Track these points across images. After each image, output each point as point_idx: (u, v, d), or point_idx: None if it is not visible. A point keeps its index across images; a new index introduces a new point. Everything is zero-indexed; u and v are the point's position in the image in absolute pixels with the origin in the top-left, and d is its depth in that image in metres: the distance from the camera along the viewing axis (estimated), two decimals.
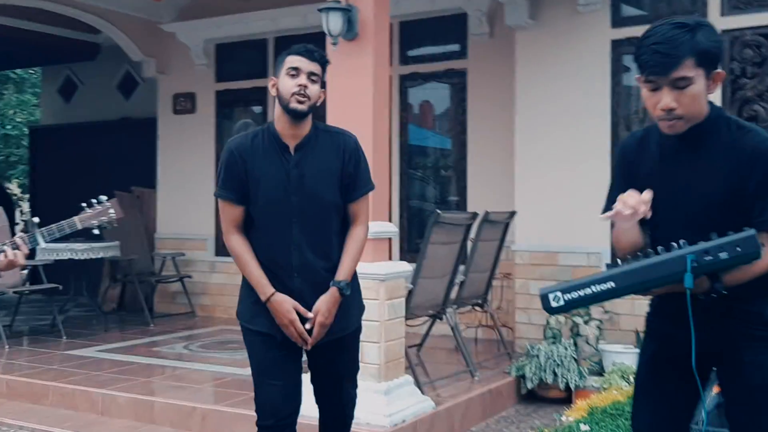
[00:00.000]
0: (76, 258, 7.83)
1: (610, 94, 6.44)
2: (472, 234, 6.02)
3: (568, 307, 2.19)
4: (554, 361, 5.75)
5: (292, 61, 3.02)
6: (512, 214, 6.53)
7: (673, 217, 2.33)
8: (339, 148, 3.10)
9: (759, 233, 2.15)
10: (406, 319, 5.35)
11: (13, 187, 17.16)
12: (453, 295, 6.00)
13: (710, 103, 2.33)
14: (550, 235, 6.61)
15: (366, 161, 3.19)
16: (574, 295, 2.15)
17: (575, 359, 5.81)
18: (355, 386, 3.34)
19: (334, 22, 4.69)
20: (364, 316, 4.90)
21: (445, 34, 7.80)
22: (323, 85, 3.09)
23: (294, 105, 2.98)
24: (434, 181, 8.06)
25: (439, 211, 5.24)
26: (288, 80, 3.00)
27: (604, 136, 6.47)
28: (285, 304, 3.00)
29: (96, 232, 2.80)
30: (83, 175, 10.87)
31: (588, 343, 6.03)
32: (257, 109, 8.99)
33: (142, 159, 9.90)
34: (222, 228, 3.12)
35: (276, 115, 3.09)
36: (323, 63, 3.07)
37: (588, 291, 2.14)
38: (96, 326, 8.22)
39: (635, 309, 5.89)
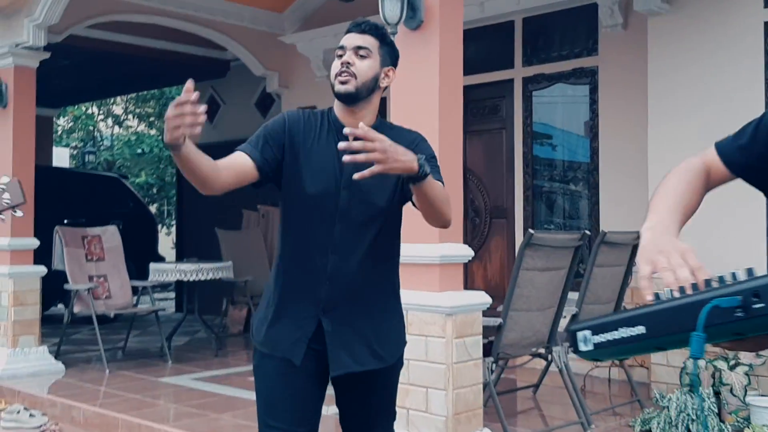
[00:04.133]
0: (185, 279, 7.57)
1: (764, 87, 5.25)
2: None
3: (599, 355, 1.38)
4: (688, 414, 4.66)
5: (341, 41, 2.50)
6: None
7: None
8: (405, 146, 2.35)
9: None
10: (499, 359, 4.53)
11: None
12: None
13: None
14: None
15: (436, 158, 2.55)
16: (603, 338, 1.36)
17: (717, 413, 4.71)
18: None
19: (390, 7, 3.97)
20: (427, 358, 4.18)
21: (573, 29, 6.84)
22: (389, 63, 2.50)
23: (337, 87, 2.44)
24: (563, 196, 7.07)
25: (532, 231, 4.36)
26: (335, 62, 2.47)
27: None
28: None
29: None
30: (222, 195, 10.80)
31: (733, 393, 4.88)
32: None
33: None
34: None
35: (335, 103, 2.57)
36: (377, 33, 2.49)
37: (616, 335, 1.34)
38: (209, 350, 7.90)
39: None
